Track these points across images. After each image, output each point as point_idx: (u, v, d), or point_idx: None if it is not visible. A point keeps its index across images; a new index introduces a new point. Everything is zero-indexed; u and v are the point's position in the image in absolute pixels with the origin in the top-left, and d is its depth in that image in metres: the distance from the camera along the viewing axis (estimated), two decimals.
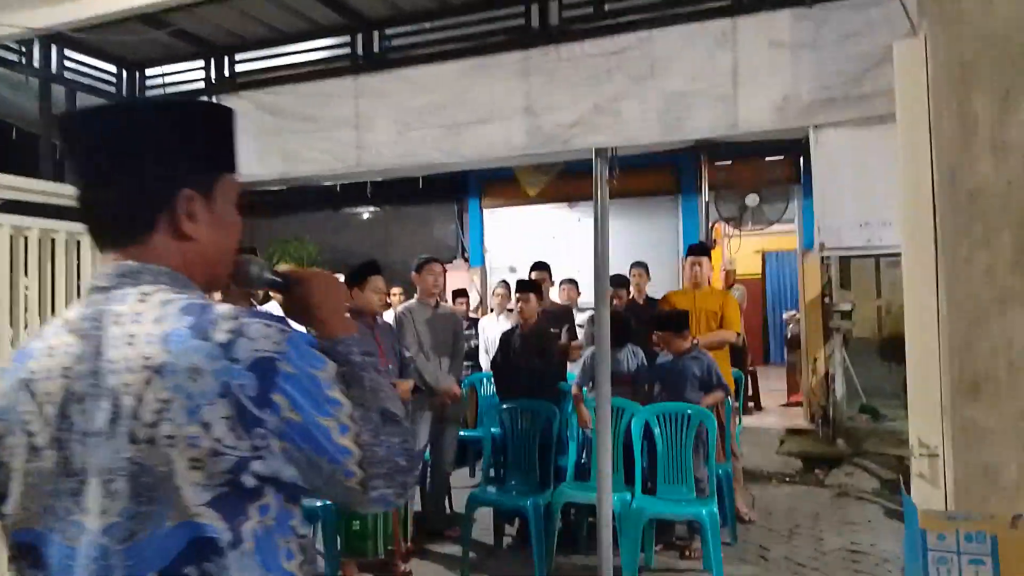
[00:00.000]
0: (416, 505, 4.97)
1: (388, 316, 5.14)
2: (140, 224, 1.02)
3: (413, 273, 4.77)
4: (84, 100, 4.04)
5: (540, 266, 6.32)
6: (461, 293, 7.41)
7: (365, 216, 9.91)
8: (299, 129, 3.47)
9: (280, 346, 0.94)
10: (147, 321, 0.94)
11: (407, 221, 9.67)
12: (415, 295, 4.89)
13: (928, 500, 1.58)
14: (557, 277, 6.73)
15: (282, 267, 1.21)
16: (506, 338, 4.94)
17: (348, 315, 1.25)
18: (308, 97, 3.44)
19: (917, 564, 1.39)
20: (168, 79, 3.83)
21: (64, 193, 3.04)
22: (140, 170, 1.01)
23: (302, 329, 1.18)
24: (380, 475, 0.98)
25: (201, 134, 1.07)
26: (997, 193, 1.48)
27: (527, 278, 5.95)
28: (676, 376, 4.47)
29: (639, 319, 5.75)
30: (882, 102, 2.56)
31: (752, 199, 7.57)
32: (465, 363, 6.91)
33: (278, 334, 0.95)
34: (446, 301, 8.76)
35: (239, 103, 3.59)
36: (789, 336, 9.22)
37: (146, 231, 1.02)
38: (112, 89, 3.89)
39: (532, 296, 4.84)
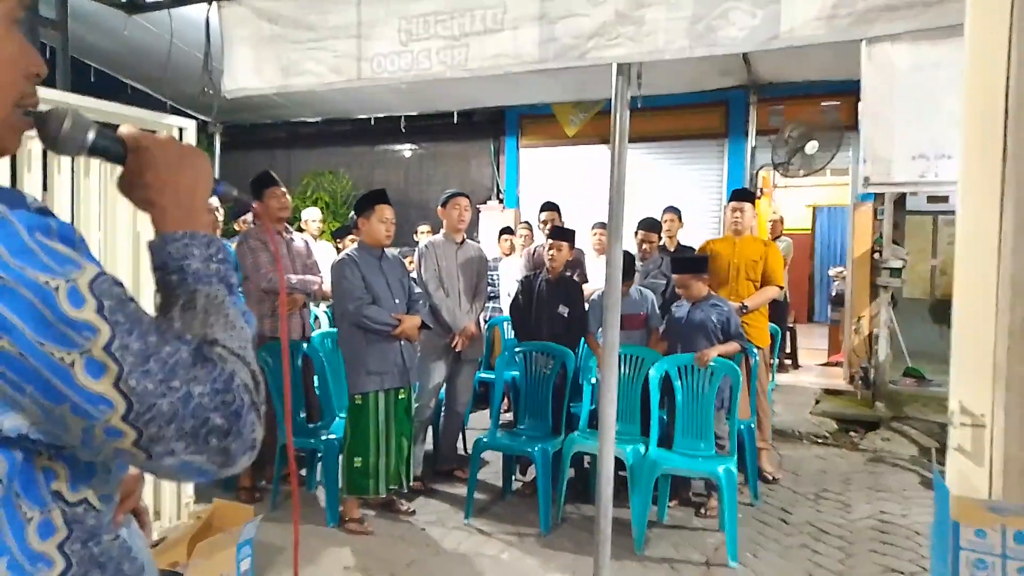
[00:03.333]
0: (428, 444, 4.85)
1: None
2: None
3: (439, 208, 4.62)
4: (77, 4, 3.85)
5: (550, 206, 6.00)
6: (507, 231, 7.16)
7: (401, 153, 9.67)
8: (298, 39, 3.20)
9: None
10: None
11: (443, 159, 9.40)
12: (441, 230, 4.68)
13: (967, 482, 1.30)
14: (591, 220, 6.40)
15: (124, 129, 0.87)
16: (528, 283, 4.68)
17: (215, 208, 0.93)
18: (308, 3, 3.16)
19: (944, 562, 1.10)
20: None
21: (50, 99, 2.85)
22: None
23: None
24: (172, 437, 0.69)
25: None
26: None
27: (553, 219, 5.68)
28: (694, 325, 4.17)
29: (668, 266, 5.45)
30: (952, 9, 2.17)
31: (812, 146, 7.03)
32: (490, 304, 6.73)
33: None
34: (479, 240, 8.61)
35: (238, 10, 3.34)
36: (835, 293, 8.78)
37: None
38: None
39: (565, 245, 4.58)
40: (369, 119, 8.92)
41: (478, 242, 8.63)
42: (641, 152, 7.80)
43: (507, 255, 6.93)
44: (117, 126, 0.87)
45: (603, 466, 2.81)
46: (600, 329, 4.32)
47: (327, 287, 6.19)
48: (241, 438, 0.73)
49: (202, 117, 6.13)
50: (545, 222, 5.57)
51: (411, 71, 2.96)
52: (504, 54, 2.79)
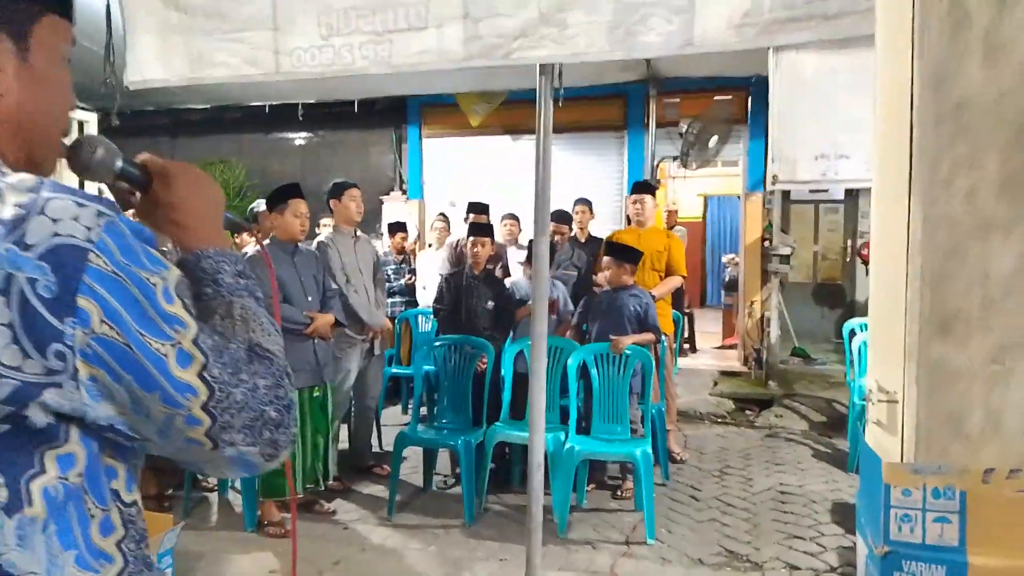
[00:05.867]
0: (343, 443, 4.79)
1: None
2: None
3: (331, 200, 4.47)
4: None
5: (480, 208, 6.01)
6: (400, 227, 7.06)
7: (297, 141, 9.40)
8: (209, 29, 3.08)
9: (94, 233, 0.69)
10: None
11: (342, 147, 9.21)
12: (331, 223, 4.56)
13: (884, 450, 1.46)
14: (497, 212, 6.48)
15: (145, 156, 0.94)
16: (454, 280, 4.71)
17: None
18: None
19: (876, 520, 1.26)
20: None
21: None
22: None
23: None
24: (237, 427, 0.75)
25: None
26: (987, 105, 1.31)
27: (480, 220, 5.71)
28: (613, 312, 4.33)
29: (580, 257, 5.62)
30: (850, 22, 2.36)
31: (714, 141, 7.36)
32: (401, 299, 6.70)
33: (92, 216, 0.69)
34: (383, 232, 8.52)
35: None
36: (727, 279, 9.26)
37: None
38: None
39: (487, 240, 4.65)
40: (263, 106, 8.62)
41: (381, 234, 8.58)
42: None
43: (398, 251, 6.89)
44: (136, 153, 0.95)
45: (534, 454, 2.89)
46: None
47: None
48: (288, 431, 0.80)
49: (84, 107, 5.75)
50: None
51: (333, 66, 2.91)
52: (428, 51, 2.79)
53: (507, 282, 4.94)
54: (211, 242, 0.89)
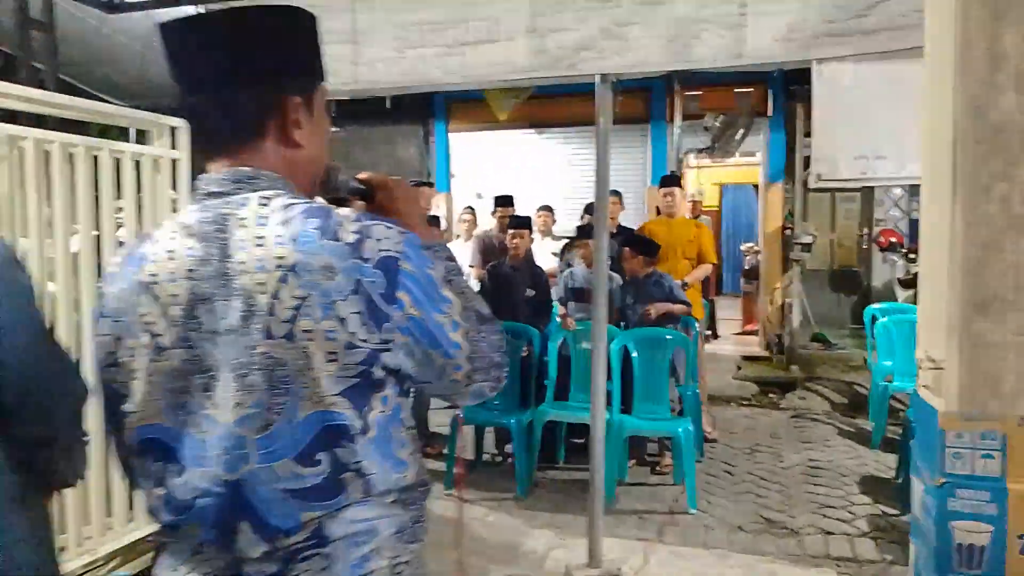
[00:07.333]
0: None
1: None
2: (252, 130, 1.04)
3: None
4: (64, 6, 3.83)
5: (507, 201, 6.32)
6: (433, 220, 7.35)
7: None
8: None
9: (400, 246, 0.98)
10: (274, 223, 0.97)
11: (370, 143, 9.48)
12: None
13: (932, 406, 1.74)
14: (528, 204, 6.75)
15: (362, 175, 1.20)
16: (496, 270, 5.03)
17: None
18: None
19: (932, 459, 1.56)
20: None
21: (55, 102, 2.91)
22: (253, 76, 1.02)
23: None
24: (481, 368, 1.03)
25: (303, 40, 1.09)
26: (1018, 128, 1.59)
27: (507, 213, 6.06)
28: (641, 304, 4.66)
29: (613, 247, 5.91)
30: (885, 38, 2.63)
31: (739, 134, 7.61)
32: None
33: (398, 235, 0.99)
34: None
35: None
36: (747, 267, 9.50)
37: (257, 137, 1.04)
38: None
39: (526, 232, 4.96)
40: None
41: None
42: (571, 136, 8.23)
43: None
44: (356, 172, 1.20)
45: (595, 429, 3.20)
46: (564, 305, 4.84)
47: None
48: (505, 370, 1.08)
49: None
50: (503, 217, 5.98)
51: (408, 76, 3.20)
52: (498, 63, 3.07)
53: (566, 272, 5.23)
54: (428, 238, 1.13)
